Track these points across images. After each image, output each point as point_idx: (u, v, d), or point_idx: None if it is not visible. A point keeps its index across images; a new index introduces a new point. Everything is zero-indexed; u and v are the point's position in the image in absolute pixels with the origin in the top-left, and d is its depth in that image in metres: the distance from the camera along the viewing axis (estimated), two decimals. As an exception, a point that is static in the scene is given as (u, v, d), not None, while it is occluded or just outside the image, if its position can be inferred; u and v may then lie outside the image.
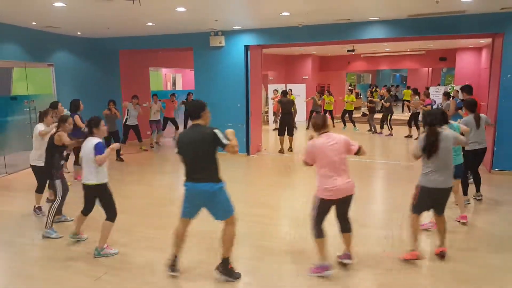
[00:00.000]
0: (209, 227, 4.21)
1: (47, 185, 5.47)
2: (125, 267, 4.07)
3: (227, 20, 8.26)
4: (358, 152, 3.79)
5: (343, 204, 3.77)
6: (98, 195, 4.26)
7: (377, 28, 8.47)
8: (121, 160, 9.15)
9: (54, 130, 5.11)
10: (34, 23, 8.20)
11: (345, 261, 3.92)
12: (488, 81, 8.51)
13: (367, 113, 13.29)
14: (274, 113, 15.33)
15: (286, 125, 10.15)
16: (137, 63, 11.85)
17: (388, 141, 12.39)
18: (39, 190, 5.57)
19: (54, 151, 4.87)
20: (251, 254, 4.31)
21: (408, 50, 16.98)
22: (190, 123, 3.72)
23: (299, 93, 16.45)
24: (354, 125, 14.35)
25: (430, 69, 23.78)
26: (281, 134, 10.18)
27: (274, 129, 15.01)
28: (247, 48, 9.61)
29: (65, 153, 5.08)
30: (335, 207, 3.78)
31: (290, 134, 10.22)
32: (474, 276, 3.81)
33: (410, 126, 12.50)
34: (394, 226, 5.00)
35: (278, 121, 14.79)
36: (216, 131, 3.51)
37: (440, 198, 4.02)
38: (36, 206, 5.63)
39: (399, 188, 6.72)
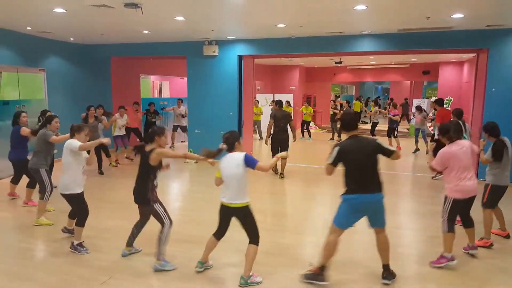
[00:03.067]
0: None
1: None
2: (128, 271, 4.09)
3: (222, 30, 8.40)
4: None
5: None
6: (242, 216, 3.77)
7: (368, 41, 8.77)
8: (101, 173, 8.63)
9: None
10: (29, 28, 8.16)
11: (471, 251, 4.47)
12: (473, 94, 8.88)
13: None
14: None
15: (279, 145, 8.13)
16: (129, 70, 11.83)
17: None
18: (82, 223, 4.56)
19: (150, 172, 4.05)
20: (242, 258, 4.34)
21: (393, 63, 17.49)
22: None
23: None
24: (310, 135, 15.15)
25: (412, 82, 24.49)
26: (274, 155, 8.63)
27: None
28: (240, 57, 9.78)
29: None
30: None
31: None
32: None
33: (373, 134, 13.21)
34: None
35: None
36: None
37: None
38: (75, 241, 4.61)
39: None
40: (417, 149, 11.63)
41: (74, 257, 4.43)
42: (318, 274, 3.78)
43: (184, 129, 12.00)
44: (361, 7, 6.03)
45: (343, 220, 3.75)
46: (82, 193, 4.57)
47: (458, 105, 13.82)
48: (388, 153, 3.68)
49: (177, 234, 4.74)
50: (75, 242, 4.54)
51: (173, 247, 4.38)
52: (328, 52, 9.39)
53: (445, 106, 10.19)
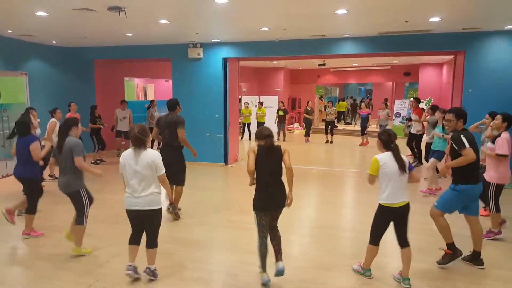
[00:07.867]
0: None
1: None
2: (114, 274, 4.10)
3: (207, 33, 8.46)
4: None
5: None
6: (406, 214, 3.76)
7: (349, 44, 8.95)
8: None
9: None
10: (10, 31, 8.06)
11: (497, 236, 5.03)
12: (451, 95, 9.15)
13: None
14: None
15: (171, 166, 4.84)
16: (113, 73, 11.78)
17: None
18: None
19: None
20: (239, 258, 4.45)
21: (375, 65, 17.83)
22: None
23: (272, 105, 16.78)
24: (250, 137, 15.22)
25: (394, 83, 24.94)
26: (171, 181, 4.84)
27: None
28: (225, 60, 9.85)
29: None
30: None
31: (177, 182, 5.67)
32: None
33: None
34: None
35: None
36: None
37: None
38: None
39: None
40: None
41: (59, 261, 4.41)
42: (452, 254, 4.17)
43: (127, 135, 10.18)
44: (342, 11, 6.18)
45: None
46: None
47: (438, 105, 14.24)
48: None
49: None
50: (153, 267, 3.95)
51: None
52: (311, 54, 9.54)
53: (420, 106, 10.68)
